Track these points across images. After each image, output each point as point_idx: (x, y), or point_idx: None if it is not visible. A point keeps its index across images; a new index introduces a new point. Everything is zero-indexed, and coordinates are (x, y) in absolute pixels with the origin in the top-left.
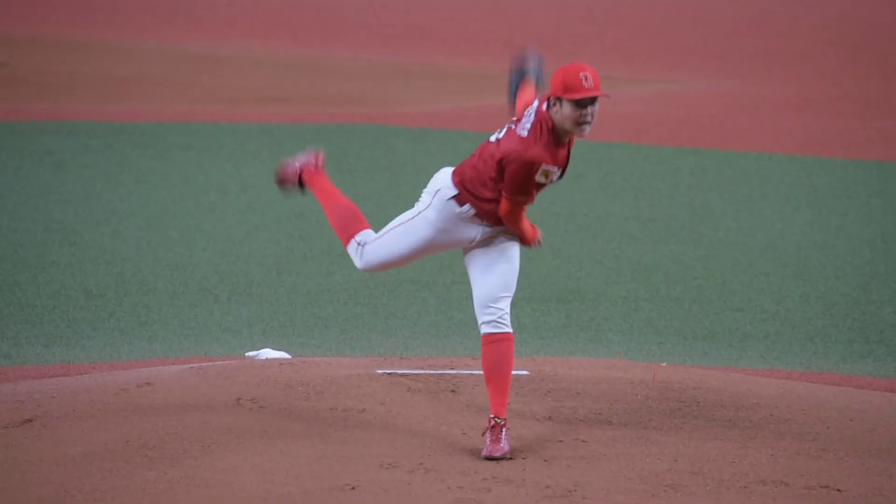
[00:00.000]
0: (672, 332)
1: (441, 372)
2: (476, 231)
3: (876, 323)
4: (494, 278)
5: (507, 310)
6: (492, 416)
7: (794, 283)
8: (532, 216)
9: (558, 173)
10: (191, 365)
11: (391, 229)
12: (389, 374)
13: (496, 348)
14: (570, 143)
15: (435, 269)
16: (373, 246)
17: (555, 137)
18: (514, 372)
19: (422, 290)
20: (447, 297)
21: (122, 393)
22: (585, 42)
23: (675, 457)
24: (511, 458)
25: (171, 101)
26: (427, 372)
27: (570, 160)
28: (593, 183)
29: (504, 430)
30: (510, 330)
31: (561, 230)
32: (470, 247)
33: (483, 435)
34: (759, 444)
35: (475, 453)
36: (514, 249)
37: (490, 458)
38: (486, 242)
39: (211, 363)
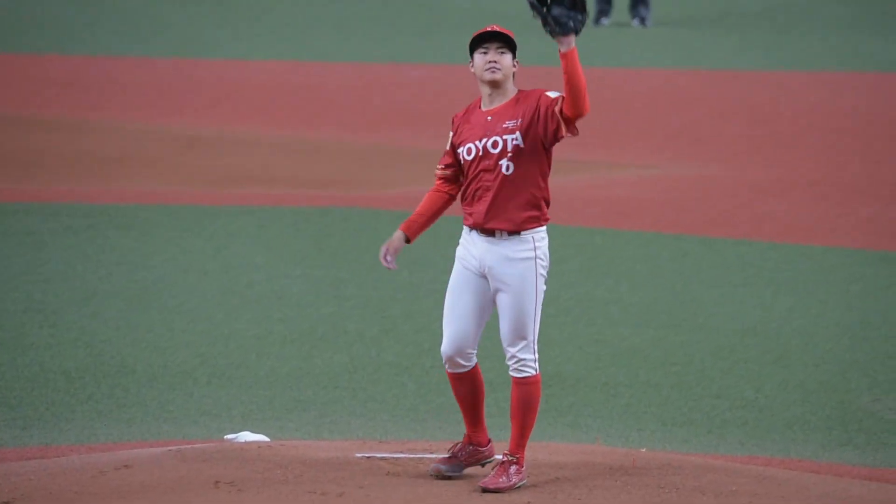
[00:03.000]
0: (651, 417)
1: (420, 456)
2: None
3: (855, 411)
4: (503, 326)
5: (524, 356)
6: (505, 452)
7: (773, 369)
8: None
9: (518, 122)
10: (169, 448)
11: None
12: (368, 457)
13: (517, 391)
14: (502, 109)
15: (415, 354)
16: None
17: (482, 101)
18: (491, 458)
19: (401, 373)
20: (426, 381)
21: (99, 476)
22: None
23: None
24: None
25: (153, 181)
26: (406, 456)
27: (536, 118)
28: (574, 267)
29: (514, 467)
30: (528, 374)
31: (542, 314)
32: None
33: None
34: None
35: None
36: (506, 300)
37: (485, 489)
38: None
39: (190, 446)
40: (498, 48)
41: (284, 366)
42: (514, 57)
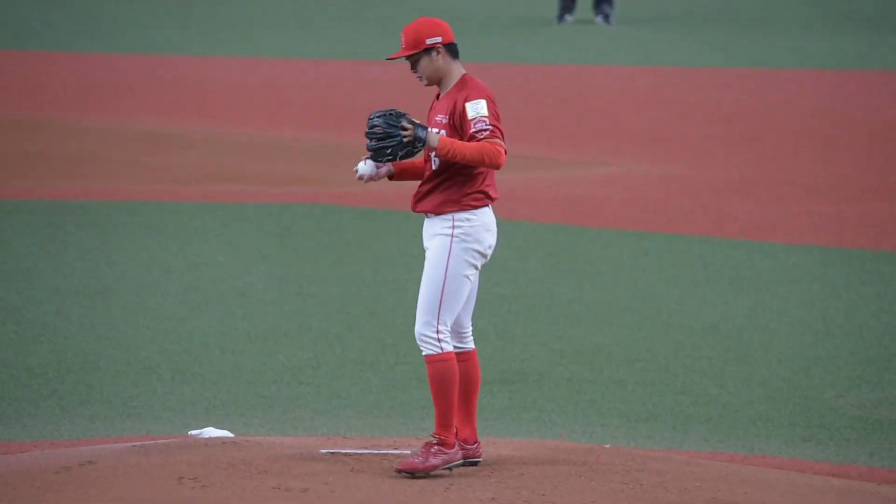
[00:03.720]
0: (615, 413)
1: (384, 451)
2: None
3: (818, 407)
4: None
5: (423, 331)
6: (432, 434)
7: (736, 366)
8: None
9: (442, 119)
10: (133, 443)
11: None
12: (333, 453)
13: (427, 369)
14: (450, 95)
15: (378, 349)
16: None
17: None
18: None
19: (365, 370)
20: (391, 377)
21: (63, 471)
22: (529, 121)
23: None
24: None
25: (115, 179)
26: (370, 452)
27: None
28: (536, 265)
29: (434, 448)
30: (430, 352)
31: (504, 311)
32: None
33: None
34: None
35: None
36: (427, 270)
37: (398, 470)
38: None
39: (153, 442)
40: (408, 59)
41: (248, 362)
42: (430, 52)
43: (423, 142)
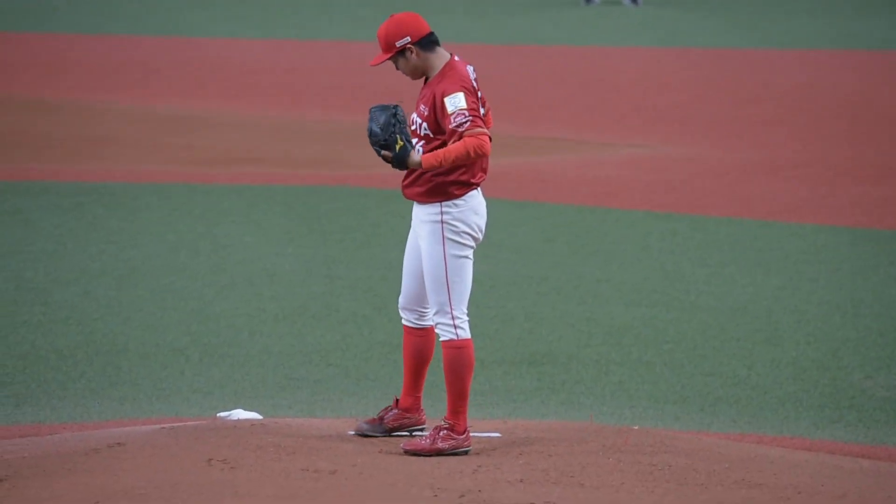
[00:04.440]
0: (643, 395)
1: (412, 432)
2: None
3: (846, 388)
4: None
5: (439, 319)
6: (444, 418)
7: (764, 347)
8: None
9: (424, 111)
10: (162, 425)
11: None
12: (361, 435)
13: (443, 354)
14: (432, 84)
15: None
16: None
17: None
18: (485, 434)
19: (393, 351)
20: None
21: (92, 453)
22: (555, 105)
23: None
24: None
25: (141, 161)
26: (399, 433)
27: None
28: (563, 246)
29: (444, 432)
30: (448, 338)
31: (532, 293)
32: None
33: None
34: None
35: None
36: (426, 261)
37: (405, 451)
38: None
39: (182, 424)
40: (390, 60)
41: (276, 344)
42: (409, 52)
43: (403, 164)
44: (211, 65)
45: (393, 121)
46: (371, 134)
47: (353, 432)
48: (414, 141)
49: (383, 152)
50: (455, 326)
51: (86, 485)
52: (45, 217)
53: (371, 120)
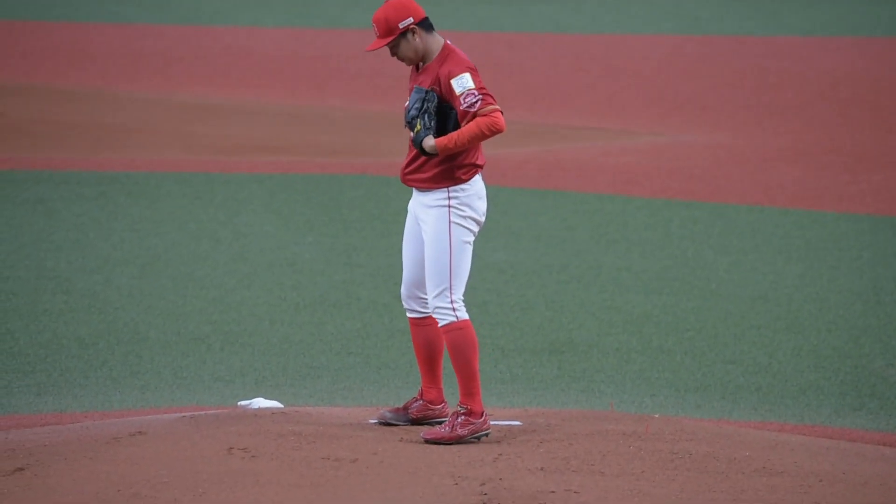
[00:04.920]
0: (664, 383)
1: (433, 422)
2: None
3: (868, 376)
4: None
5: (438, 303)
6: (459, 404)
7: (785, 335)
8: (524, 266)
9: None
10: (183, 414)
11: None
12: (381, 423)
13: (445, 339)
14: (432, 68)
15: None
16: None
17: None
18: (506, 423)
19: None
20: None
21: (113, 442)
22: (577, 92)
23: None
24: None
25: (163, 149)
26: (421, 424)
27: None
28: (585, 234)
29: (461, 418)
30: (447, 321)
31: (553, 281)
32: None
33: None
34: (751, 496)
35: None
36: (426, 247)
37: (426, 440)
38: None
39: (203, 412)
40: (388, 46)
41: (297, 332)
42: (411, 34)
43: (419, 147)
44: (233, 53)
45: (419, 104)
46: (407, 111)
47: (374, 420)
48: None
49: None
50: (454, 309)
51: (107, 473)
52: (68, 206)
53: (410, 96)
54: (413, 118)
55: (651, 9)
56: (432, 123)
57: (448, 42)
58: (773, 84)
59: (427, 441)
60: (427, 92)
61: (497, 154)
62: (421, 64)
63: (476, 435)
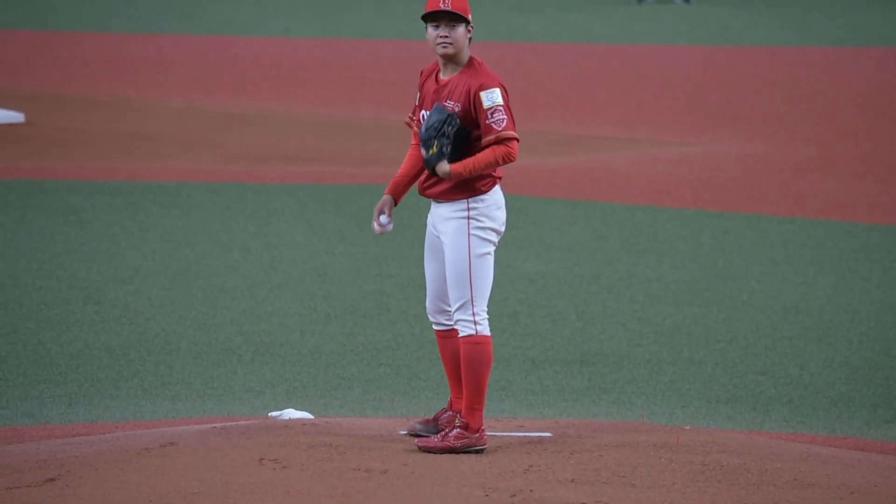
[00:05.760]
0: (695, 394)
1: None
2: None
3: None
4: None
5: (460, 316)
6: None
7: (817, 347)
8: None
9: (454, 106)
10: (214, 425)
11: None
12: (412, 434)
13: (461, 349)
14: (460, 82)
15: None
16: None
17: (440, 68)
18: (536, 434)
19: None
20: None
21: (145, 452)
22: (609, 101)
23: None
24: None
25: (195, 160)
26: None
27: (456, 96)
28: (615, 244)
29: (456, 430)
30: (467, 333)
31: (583, 292)
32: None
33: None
34: None
35: None
36: (446, 258)
37: (420, 448)
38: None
39: (234, 423)
40: (449, 21)
41: (328, 343)
42: (468, 24)
43: (432, 169)
44: (263, 63)
45: (440, 126)
46: (426, 127)
47: (404, 432)
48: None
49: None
50: (475, 322)
51: (138, 484)
52: (99, 216)
53: (431, 113)
54: (430, 138)
55: (681, 19)
56: (448, 149)
57: (474, 56)
58: (804, 93)
59: (420, 448)
60: (450, 116)
61: (528, 164)
62: (442, 69)
63: (468, 449)
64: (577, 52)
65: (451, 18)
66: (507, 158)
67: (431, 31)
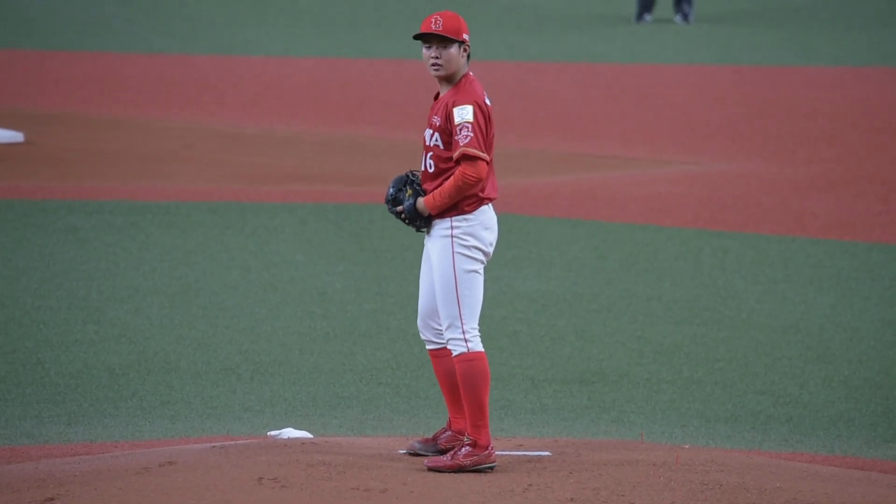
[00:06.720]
0: (694, 414)
1: (520, 453)
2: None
3: None
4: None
5: (450, 335)
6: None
7: (816, 366)
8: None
9: (437, 122)
10: (213, 444)
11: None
12: (412, 453)
13: (456, 368)
14: (445, 98)
15: None
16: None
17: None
18: (536, 453)
19: None
20: None
21: (144, 472)
22: (609, 120)
23: None
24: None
25: (194, 179)
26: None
27: (446, 118)
28: (615, 264)
29: (465, 449)
30: (459, 352)
31: (583, 311)
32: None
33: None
34: None
35: None
36: (436, 276)
37: (428, 468)
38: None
39: (233, 442)
40: (440, 42)
41: (327, 362)
42: (462, 44)
43: (418, 214)
44: (264, 83)
45: (405, 178)
46: (386, 199)
47: (404, 451)
48: (428, 157)
49: (397, 208)
50: (466, 340)
51: (137, 503)
52: (99, 236)
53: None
54: (392, 196)
55: (682, 38)
56: (418, 187)
57: (470, 73)
58: (806, 113)
59: (429, 469)
60: (400, 177)
61: (528, 183)
62: (440, 87)
63: (478, 467)
64: (577, 71)
65: (441, 40)
66: (471, 178)
67: (425, 51)
